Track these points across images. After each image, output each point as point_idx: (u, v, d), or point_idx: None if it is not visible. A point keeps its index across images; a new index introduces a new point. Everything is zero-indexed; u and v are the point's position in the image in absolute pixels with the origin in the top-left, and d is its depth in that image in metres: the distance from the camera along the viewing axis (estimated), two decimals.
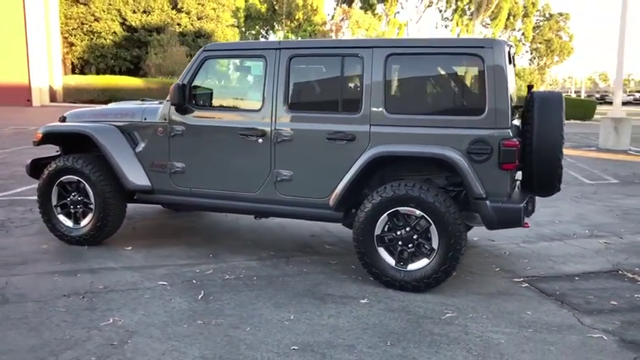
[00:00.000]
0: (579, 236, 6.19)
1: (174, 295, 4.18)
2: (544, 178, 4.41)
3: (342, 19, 48.45)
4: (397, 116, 4.37)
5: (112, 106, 5.73)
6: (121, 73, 35.84)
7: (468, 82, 4.44)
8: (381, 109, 4.38)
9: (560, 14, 77.39)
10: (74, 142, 5.54)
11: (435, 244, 4.25)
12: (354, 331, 3.66)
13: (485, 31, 62.82)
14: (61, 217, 5.35)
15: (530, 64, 72.90)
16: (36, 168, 5.56)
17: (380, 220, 4.34)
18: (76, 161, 5.18)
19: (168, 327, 3.65)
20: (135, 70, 37.14)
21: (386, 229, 4.38)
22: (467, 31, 57.58)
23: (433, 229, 4.23)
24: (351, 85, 4.63)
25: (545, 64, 74.13)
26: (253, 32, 58.89)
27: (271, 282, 4.53)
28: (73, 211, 5.31)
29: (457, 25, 58.32)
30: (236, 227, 6.21)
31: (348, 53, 4.51)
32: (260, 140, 4.70)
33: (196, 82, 4.93)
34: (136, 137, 5.16)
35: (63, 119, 5.55)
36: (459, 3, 55.87)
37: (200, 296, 4.17)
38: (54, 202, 5.34)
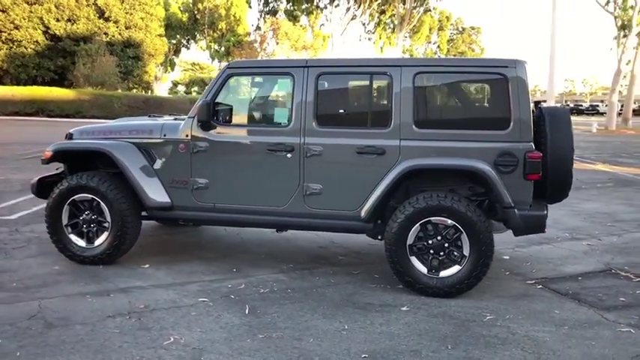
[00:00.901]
0: (563, 239, 6.67)
1: (220, 311, 4.20)
2: (557, 186, 4.78)
3: (271, 30, 48.48)
4: (425, 131, 4.60)
5: (122, 122, 5.63)
6: (44, 83, 34.30)
7: (492, 98, 4.73)
8: (410, 124, 4.60)
9: (472, 28, 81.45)
10: (82, 160, 5.41)
11: (466, 252, 4.50)
12: (412, 337, 3.84)
13: (408, 44, 65.02)
14: (73, 237, 5.20)
15: None
16: (42, 187, 5.38)
17: (412, 229, 4.55)
18: (91, 179, 5.07)
19: (232, 342, 3.68)
20: (59, 81, 35.69)
21: (417, 238, 4.59)
22: (389, 43, 59.23)
23: (464, 237, 4.48)
24: (380, 101, 4.83)
25: None
26: (174, 41, 58.11)
27: (307, 294, 4.62)
28: (85, 230, 5.18)
29: (380, 37, 59.88)
30: (241, 241, 6.24)
31: (377, 72, 4.71)
32: (289, 155, 4.80)
33: (220, 99, 4.97)
34: (154, 154, 5.11)
35: (70, 136, 5.40)
36: (381, 17, 57.28)
37: (247, 311, 4.21)
38: (64, 221, 5.19)
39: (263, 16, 56.81)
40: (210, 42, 64.49)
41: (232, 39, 55.75)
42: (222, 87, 4.95)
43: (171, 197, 5.08)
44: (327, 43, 52.10)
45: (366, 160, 4.68)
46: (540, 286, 4.98)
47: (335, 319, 4.12)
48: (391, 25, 58.01)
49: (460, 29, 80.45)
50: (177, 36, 59.39)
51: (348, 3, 50.84)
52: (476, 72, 4.63)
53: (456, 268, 4.55)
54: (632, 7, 40.99)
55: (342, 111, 5.05)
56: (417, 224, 4.53)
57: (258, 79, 5.28)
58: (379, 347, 3.67)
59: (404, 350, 3.64)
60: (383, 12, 56.25)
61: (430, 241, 4.57)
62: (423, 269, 4.59)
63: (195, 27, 63.23)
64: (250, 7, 58.74)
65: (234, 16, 64.01)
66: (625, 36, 41.96)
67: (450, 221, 4.48)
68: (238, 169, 4.96)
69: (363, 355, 3.55)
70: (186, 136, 5.01)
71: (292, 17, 52.97)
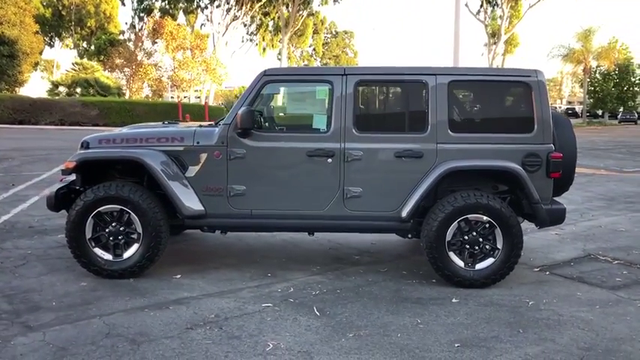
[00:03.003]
0: (533, 230, 7.31)
1: (292, 315, 4.27)
2: (564, 182, 5.35)
3: (153, 29, 46.82)
4: (459, 134, 4.97)
5: (145, 129, 5.41)
6: None
7: (518, 103, 5.18)
8: (445, 128, 4.94)
9: (345, 32, 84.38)
10: (96, 170, 5.17)
11: (499, 245, 4.93)
12: (482, 325, 4.17)
13: (292, 47, 65.78)
14: (98, 251, 4.97)
15: None
16: (59, 200, 5.07)
17: (451, 227, 4.90)
18: (121, 189, 4.88)
19: (329, 343, 3.79)
20: None
21: (453, 234, 4.95)
22: (272, 46, 59.62)
23: (498, 231, 4.91)
24: (416, 107, 5.11)
25: None
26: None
27: (358, 293, 4.81)
28: (112, 243, 4.97)
29: (263, 39, 60.01)
30: (250, 246, 6.25)
31: (413, 79, 5.00)
32: (329, 160, 4.95)
33: (256, 106, 5.00)
34: (186, 161, 5.02)
35: (86, 145, 5.12)
36: (264, 19, 57.44)
37: (317, 312, 4.32)
38: (88, 235, 4.94)
39: (138, 14, 54.80)
40: (79, 40, 61.06)
41: (104, 37, 53.14)
42: (259, 94, 4.99)
43: (205, 205, 5.02)
44: (206, 43, 51.30)
45: (405, 163, 4.95)
46: (548, 273, 5.55)
47: (402, 314, 4.35)
48: (273, 28, 58.16)
49: (334, 33, 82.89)
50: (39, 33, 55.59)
51: (228, 4, 50.35)
52: (503, 80, 5.08)
53: (490, 261, 4.96)
54: (500, 17, 44.86)
55: (380, 115, 5.28)
56: (456, 221, 4.89)
57: (294, 86, 5.35)
58: (462, 336, 3.97)
59: (486, 337, 3.96)
60: (267, 14, 56.39)
61: (466, 237, 4.94)
62: (461, 263, 4.96)
63: (61, 24, 59.63)
64: (123, 4, 56.31)
65: (104, 13, 61.12)
66: (495, 43, 45.86)
67: (485, 217, 4.89)
68: (277, 174, 5.02)
69: (456, 345, 3.83)
70: (222, 143, 4.98)
71: (170, 16, 51.46)
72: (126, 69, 44.32)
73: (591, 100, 57.58)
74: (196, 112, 29.66)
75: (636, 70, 58.17)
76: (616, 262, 5.99)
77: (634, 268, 5.74)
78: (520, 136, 4.99)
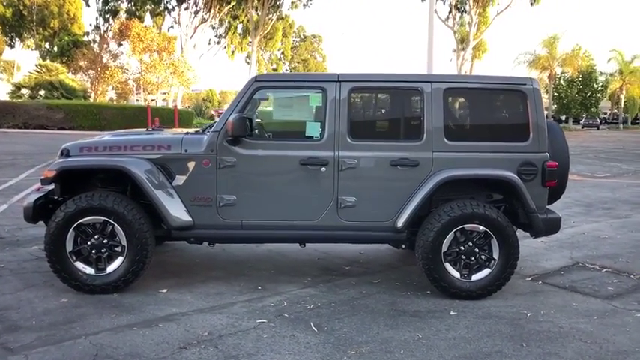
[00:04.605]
0: (519, 238, 7.32)
1: (289, 331, 4.10)
2: (557, 190, 5.31)
3: (120, 31, 46.03)
4: (455, 143, 4.88)
5: (127, 137, 5.16)
6: None
7: (513, 112, 5.10)
8: (441, 136, 4.85)
9: (314, 36, 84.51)
10: (76, 180, 4.92)
11: (495, 255, 4.84)
12: (484, 339, 4.07)
13: (261, 51, 65.39)
14: (79, 265, 4.71)
15: None
16: (37, 211, 4.80)
17: (447, 237, 4.80)
18: (104, 199, 4.64)
19: None
20: None
21: (449, 245, 4.85)
22: (241, 49, 59.17)
23: (494, 242, 4.82)
24: (412, 114, 5.00)
25: None
26: None
27: (353, 307, 4.66)
28: (95, 256, 4.72)
29: (232, 42, 59.46)
30: (235, 257, 6.05)
31: (408, 87, 4.89)
32: (323, 169, 4.79)
33: (247, 113, 4.82)
34: (173, 170, 4.81)
35: (67, 153, 4.86)
36: (233, 22, 56.95)
37: (314, 328, 4.16)
38: (69, 248, 4.68)
39: (103, 15, 53.85)
40: (41, 41, 59.61)
41: (67, 38, 52.00)
42: (249, 100, 4.81)
43: (193, 216, 4.81)
44: (173, 46, 50.53)
45: (400, 172, 4.83)
46: (540, 282, 5.50)
47: (402, 329, 4.22)
48: (242, 31, 57.62)
49: (302, 37, 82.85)
50: None
51: (196, 6, 49.80)
52: (498, 88, 5.00)
53: (486, 271, 4.87)
54: (469, 23, 45.41)
55: (374, 123, 5.16)
56: (452, 232, 4.79)
57: (286, 92, 5.18)
58: (466, 352, 3.86)
59: (490, 352, 3.86)
60: (236, 17, 55.92)
61: (462, 247, 4.84)
62: (456, 274, 4.86)
63: (22, 24, 58.15)
64: (88, 5, 55.35)
65: (67, 13, 59.84)
66: (463, 49, 46.40)
67: (481, 227, 4.80)
68: (269, 184, 4.84)
69: None
70: (211, 151, 4.79)
71: (136, 17, 50.56)
72: (90, 71, 43.42)
73: (556, 106, 58.75)
74: (165, 115, 29.14)
75: (598, 76, 59.64)
76: (605, 270, 5.98)
77: (623, 277, 5.74)
78: (516, 144, 4.93)
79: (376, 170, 4.86)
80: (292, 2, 52.71)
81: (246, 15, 53.46)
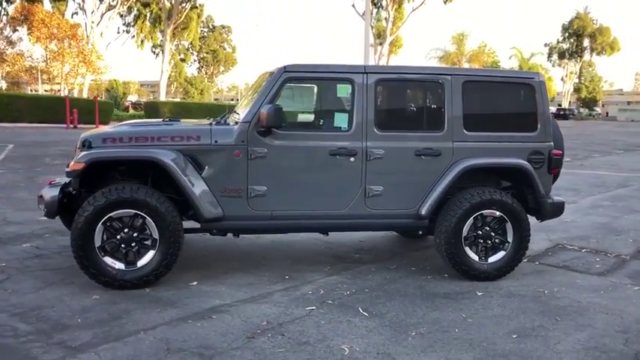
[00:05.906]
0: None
1: (343, 317, 4.20)
2: (555, 178, 5.73)
3: (23, 16, 43.13)
4: (473, 133, 5.15)
5: (154, 127, 4.99)
6: None
7: (523, 104, 5.42)
8: (460, 126, 5.10)
9: (223, 27, 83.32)
10: (95, 172, 4.73)
11: (509, 238, 5.18)
12: (521, 316, 4.36)
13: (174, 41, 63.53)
14: (108, 260, 4.54)
15: (199, 73, 76.31)
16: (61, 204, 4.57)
17: (467, 222, 5.07)
18: (135, 192, 4.50)
19: (400, 343, 3.77)
20: None
21: (468, 230, 5.12)
22: (150, 39, 57.31)
23: (509, 225, 5.16)
24: (434, 106, 5.21)
25: (212, 72, 78.96)
26: None
27: (387, 291, 4.82)
28: (124, 250, 4.57)
29: (141, 31, 57.38)
30: (245, 248, 6.02)
31: (431, 79, 5.10)
32: (352, 159, 4.91)
33: (277, 104, 4.83)
34: (202, 161, 4.74)
35: (88, 144, 4.64)
36: (142, 10, 54.92)
37: (364, 313, 4.28)
38: (97, 243, 4.50)
39: None
40: None
41: None
42: (279, 91, 4.83)
43: (223, 207, 4.77)
44: (79, 33, 48.03)
45: (424, 161, 5.04)
46: (537, 263, 5.91)
47: (443, 310, 4.43)
48: (152, 20, 55.62)
49: (211, 27, 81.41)
50: None
51: None
52: (511, 82, 5.32)
53: (501, 254, 5.19)
54: (385, 19, 46.62)
55: (399, 114, 5.32)
56: (472, 217, 5.07)
57: (314, 83, 5.22)
58: (512, 327, 4.13)
59: (533, 327, 4.16)
60: (146, 5, 53.91)
61: (479, 232, 5.13)
62: (475, 257, 5.15)
63: None
64: None
65: None
66: (380, 44, 47.57)
67: (498, 213, 5.11)
68: (299, 174, 4.89)
69: (514, 336, 3.98)
70: (242, 141, 4.76)
71: (31, 1, 47.39)
72: None
73: None
74: (84, 106, 27.82)
75: None
76: (584, 250, 6.50)
77: (602, 256, 6.26)
78: (526, 134, 5.27)
79: (402, 160, 5.03)
80: None
81: (157, 3, 51.66)
